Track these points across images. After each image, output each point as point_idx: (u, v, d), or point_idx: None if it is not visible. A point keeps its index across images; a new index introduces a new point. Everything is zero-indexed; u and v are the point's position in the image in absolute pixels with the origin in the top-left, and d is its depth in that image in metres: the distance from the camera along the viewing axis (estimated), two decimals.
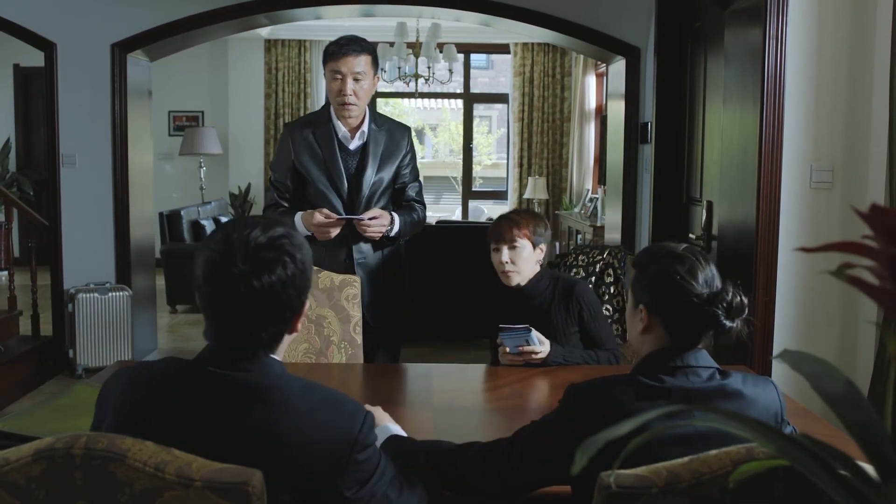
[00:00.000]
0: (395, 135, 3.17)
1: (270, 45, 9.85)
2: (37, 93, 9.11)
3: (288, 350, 2.89)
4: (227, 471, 1.27)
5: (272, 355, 1.48)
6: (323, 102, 10.10)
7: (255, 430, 1.38)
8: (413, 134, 3.29)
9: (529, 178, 9.94)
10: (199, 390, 1.42)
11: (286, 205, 3.15)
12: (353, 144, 3.11)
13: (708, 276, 1.62)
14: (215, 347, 1.47)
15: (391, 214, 3.09)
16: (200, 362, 1.46)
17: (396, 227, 3.11)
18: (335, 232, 3.00)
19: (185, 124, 9.66)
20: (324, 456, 1.40)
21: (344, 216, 3.01)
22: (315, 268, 2.97)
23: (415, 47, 8.60)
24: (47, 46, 5.46)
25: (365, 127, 3.12)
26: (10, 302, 5.60)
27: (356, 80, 3.00)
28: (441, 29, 8.30)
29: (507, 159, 10.50)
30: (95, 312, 5.37)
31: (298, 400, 1.43)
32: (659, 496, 1.21)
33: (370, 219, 3.01)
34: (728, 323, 1.59)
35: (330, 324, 2.93)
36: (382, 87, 10.17)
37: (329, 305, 2.93)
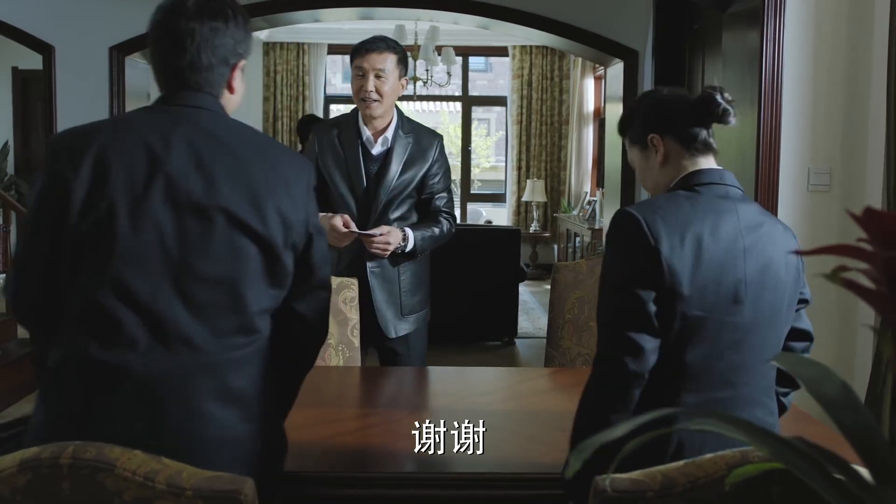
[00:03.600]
0: (423, 142, 3.07)
1: (269, 48, 9.85)
2: (35, 96, 9.09)
3: None
4: (219, 479, 1.25)
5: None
6: (321, 106, 10.13)
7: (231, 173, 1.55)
8: (443, 142, 3.17)
9: (528, 180, 9.94)
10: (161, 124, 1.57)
11: None
12: (376, 149, 3.03)
13: None
14: (167, 92, 1.64)
15: (403, 231, 2.97)
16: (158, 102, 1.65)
17: (411, 244, 2.98)
18: (347, 241, 2.91)
19: None
20: (299, 193, 1.63)
21: (354, 230, 2.90)
22: None
23: (413, 50, 8.60)
24: (46, 49, 5.46)
25: (389, 132, 3.03)
26: (8, 305, 5.59)
27: (378, 76, 2.94)
28: (439, 32, 8.31)
29: (506, 162, 10.50)
30: None
31: (256, 145, 1.64)
32: (654, 500, 1.20)
33: (380, 235, 2.90)
34: (726, 105, 1.72)
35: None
36: None
37: None
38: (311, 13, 5.83)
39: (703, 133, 1.74)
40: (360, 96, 2.97)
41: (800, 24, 3.39)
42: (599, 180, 8.80)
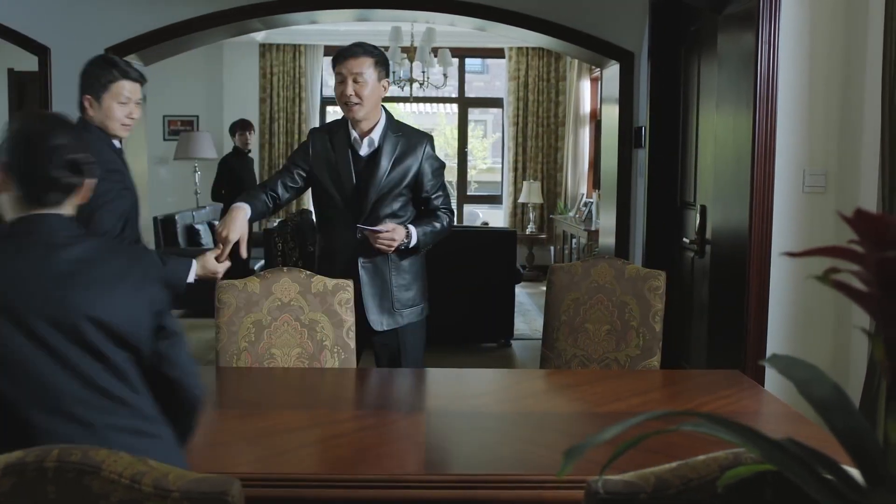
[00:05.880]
0: (412, 139, 3.17)
1: (265, 49, 9.85)
2: (32, 97, 9.07)
3: (280, 354, 2.90)
4: (206, 481, 1.25)
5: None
6: (317, 107, 10.14)
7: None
8: (433, 142, 3.25)
9: (524, 182, 9.94)
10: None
11: (264, 196, 3.12)
12: (364, 150, 3.13)
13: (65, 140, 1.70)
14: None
15: (407, 228, 3.06)
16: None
17: (414, 240, 3.08)
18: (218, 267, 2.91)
19: (180, 129, 9.64)
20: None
21: (363, 227, 3.01)
22: (308, 272, 2.98)
23: (410, 52, 8.60)
24: (41, 51, 5.45)
25: (376, 134, 3.13)
26: None
27: (356, 81, 3.05)
28: (436, 33, 8.31)
29: (502, 163, 10.50)
30: None
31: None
32: (647, 502, 1.20)
33: (385, 231, 3.00)
34: (73, 179, 1.67)
35: (323, 328, 2.92)
36: None
37: (322, 310, 2.93)
38: (307, 15, 5.82)
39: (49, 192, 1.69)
40: (342, 101, 3.11)
41: (795, 27, 3.39)
42: (596, 182, 8.81)
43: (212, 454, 2.02)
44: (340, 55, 3.11)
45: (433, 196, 3.20)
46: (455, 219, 3.31)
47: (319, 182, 3.16)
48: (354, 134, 3.14)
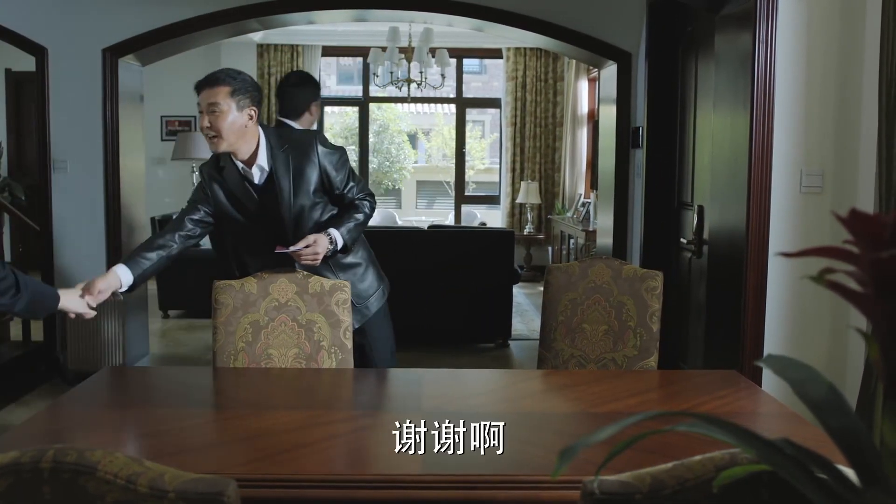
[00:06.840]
0: (302, 147, 3.02)
1: (263, 49, 9.85)
2: (29, 97, 9.08)
3: (278, 355, 2.89)
4: (202, 481, 1.24)
5: None
6: None
7: None
8: (322, 136, 3.13)
9: (522, 182, 9.95)
10: None
11: (160, 249, 2.98)
12: (257, 179, 3.00)
13: None
14: None
15: (328, 234, 2.97)
16: None
17: (340, 242, 3.01)
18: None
19: (178, 129, 9.65)
20: None
21: (281, 250, 2.95)
22: (305, 272, 2.98)
23: (407, 52, 8.61)
24: (38, 51, 5.45)
25: (262, 159, 2.97)
26: None
27: (212, 112, 2.87)
28: (433, 34, 8.31)
29: (500, 164, 10.51)
30: None
31: None
32: (643, 502, 1.20)
33: (305, 247, 2.93)
34: None
35: (320, 329, 2.92)
36: (375, 91, 10.16)
37: (319, 310, 2.93)
38: (304, 15, 5.83)
39: None
40: (203, 134, 2.94)
41: (792, 27, 3.40)
42: (593, 182, 8.81)
43: (208, 454, 2.02)
44: (197, 85, 2.92)
45: (346, 190, 3.10)
46: (374, 198, 3.20)
47: (229, 216, 3.03)
48: (241, 164, 2.99)
